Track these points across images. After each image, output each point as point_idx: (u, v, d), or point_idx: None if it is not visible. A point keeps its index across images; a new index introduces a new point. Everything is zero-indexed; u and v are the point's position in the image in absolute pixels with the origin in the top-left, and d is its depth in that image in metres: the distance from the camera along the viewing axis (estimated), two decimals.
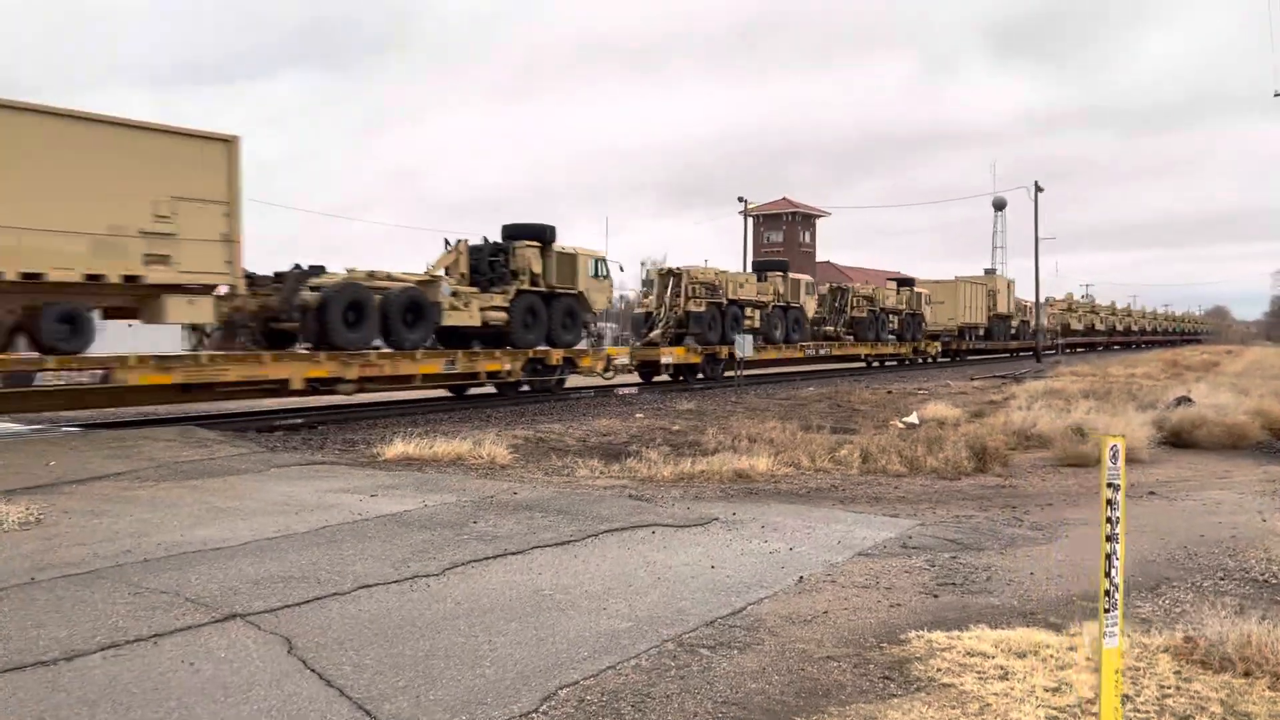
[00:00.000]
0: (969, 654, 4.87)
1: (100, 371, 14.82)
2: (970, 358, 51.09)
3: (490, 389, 23.15)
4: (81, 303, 14.24)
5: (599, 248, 26.48)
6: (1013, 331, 56.57)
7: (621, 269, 44.95)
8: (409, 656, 4.86)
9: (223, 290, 16.22)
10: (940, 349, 47.12)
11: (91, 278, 13.87)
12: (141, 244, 14.31)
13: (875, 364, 42.50)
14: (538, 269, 23.10)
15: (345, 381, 18.21)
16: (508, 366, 21.80)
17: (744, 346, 27.39)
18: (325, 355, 17.80)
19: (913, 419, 17.25)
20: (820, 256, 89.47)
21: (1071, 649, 4.92)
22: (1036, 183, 55.58)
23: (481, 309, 21.50)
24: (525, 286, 22.64)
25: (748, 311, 31.95)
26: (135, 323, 15.92)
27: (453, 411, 20.26)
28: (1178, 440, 14.60)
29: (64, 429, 15.34)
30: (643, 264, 27.42)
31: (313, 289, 18.11)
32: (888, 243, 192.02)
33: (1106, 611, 2.97)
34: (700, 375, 29.52)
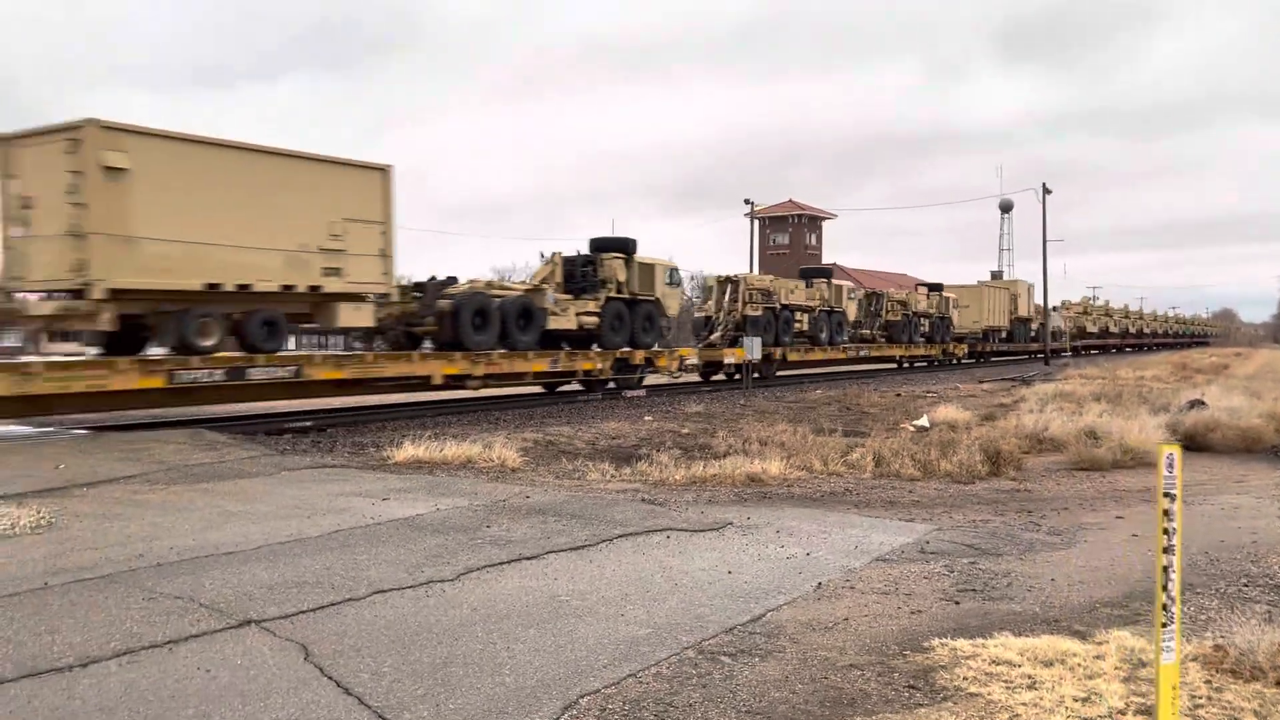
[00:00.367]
0: (995, 662, 4.80)
1: (293, 367, 17.26)
2: (994, 359, 53.24)
3: (576, 385, 25.29)
4: (277, 309, 16.84)
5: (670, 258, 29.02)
6: (1033, 334, 58.39)
7: (691, 278, 47.26)
8: (427, 664, 4.80)
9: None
10: (966, 350, 49.49)
11: (285, 288, 16.54)
12: (320, 259, 16.95)
13: (906, 364, 44.44)
14: (622, 278, 25.31)
15: (473, 378, 20.53)
16: (599, 365, 24.19)
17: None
18: (460, 355, 20.30)
19: (924, 422, 17.17)
20: (826, 258, 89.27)
21: (1099, 657, 4.85)
22: (1045, 185, 55.45)
23: (577, 314, 23.89)
24: (612, 294, 24.93)
25: (797, 316, 34.34)
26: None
27: (461, 414, 20.23)
28: (1191, 444, 14.48)
29: (73, 431, 15.31)
30: (691, 276, 30.65)
31: (446, 298, 20.61)
32: (893, 244, 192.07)
33: (1164, 626, 2.87)
34: (756, 375, 31.20)
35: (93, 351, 16.65)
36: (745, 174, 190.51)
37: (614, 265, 25.14)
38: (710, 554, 7.31)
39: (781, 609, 5.88)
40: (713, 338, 31.15)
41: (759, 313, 31.99)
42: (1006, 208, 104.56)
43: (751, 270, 50.67)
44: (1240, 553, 7.51)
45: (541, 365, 22.36)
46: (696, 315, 34.37)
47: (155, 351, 16.42)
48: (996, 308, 52.98)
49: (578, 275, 24.72)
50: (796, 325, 34.13)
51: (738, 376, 30.75)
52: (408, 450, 12.51)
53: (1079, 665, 4.74)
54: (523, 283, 24.10)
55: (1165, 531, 2.96)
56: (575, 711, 4.25)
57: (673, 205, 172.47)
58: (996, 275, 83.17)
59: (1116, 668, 4.71)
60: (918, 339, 43.82)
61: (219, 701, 4.30)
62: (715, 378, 31.05)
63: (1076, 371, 37.13)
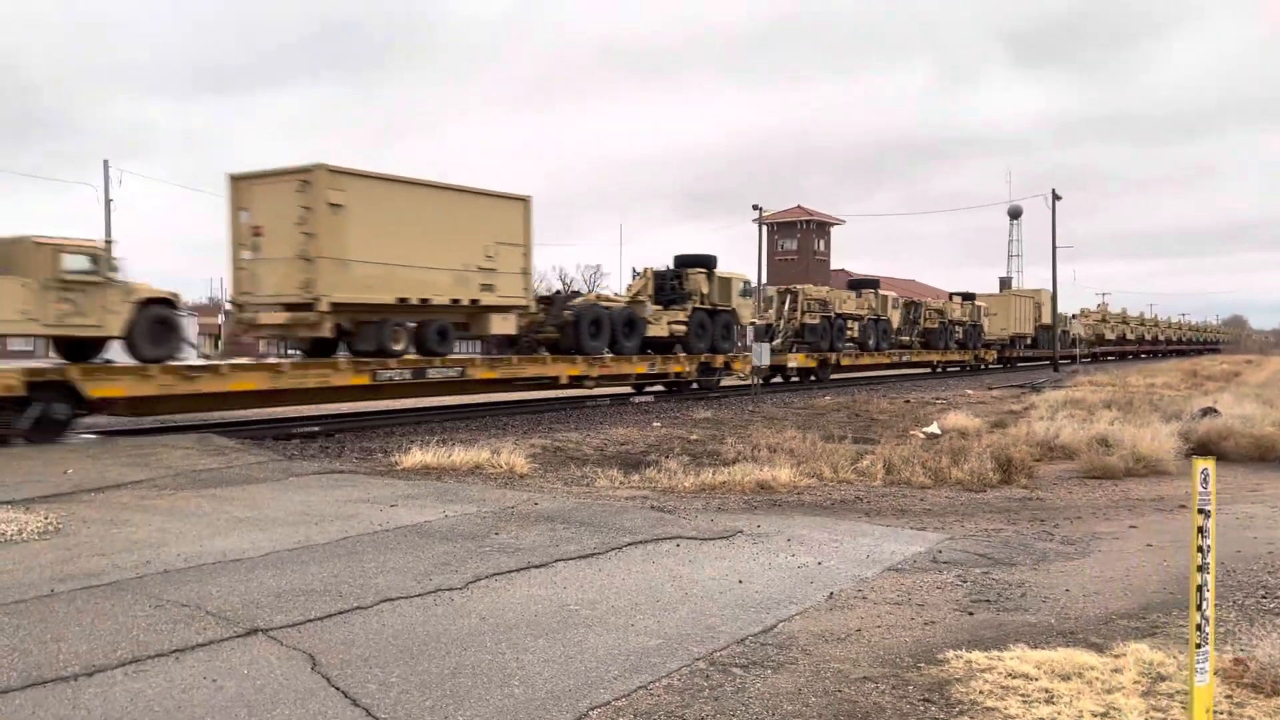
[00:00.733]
0: (1011, 675, 4.72)
1: (459, 368, 20.36)
2: (1020, 364, 55.97)
3: (659, 387, 28.24)
4: (446, 319, 19.87)
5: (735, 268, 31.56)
6: (1057, 340, 59.72)
7: (759, 286, 50.02)
8: (435, 674, 4.75)
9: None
10: (995, 356, 52.15)
11: (453, 301, 19.72)
12: (478, 276, 20.08)
13: (940, 369, 47.27)
14: (705, 290, 28.20)
15: (590, 378, 23.56)
16: (687, 369, 27.32)
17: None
18: (580, 359, 23.39)
19: (934, 429, 17.07)
20: (835, 264, 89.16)
21: (1117, 671, 4.77)
22: (1054, 191, 55.37)
23: (669, 323, 26.81)
24: (697, 305, 27.87)
25: (849, 324, 37.27)
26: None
27: (469, 420, 20.22)
28: (1204, 452, 14.33)
29: (81, 436, 15.31)
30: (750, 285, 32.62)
31: (570, 309, 23.77)
32: (903, 250, 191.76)
33: (1198, 647, 2.79)
34: (813, 378, 34.37)
35: (296, 356, 19.95)
36: (755, 179, 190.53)
37: (698, 279, 28.06)
38: (720, 563, 7.24)
39: (793, 619, 5.81)
40: (774, 344, 33.10)
41: (816, 320, 34.78)
42: (1016, 214, 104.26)
43: (760, 276, 50.93)
44: (1257, 563, 7.41)
45: (643, 368, 25.65)
46: (757, 323, 35.99)
47: (341, 356, 19.26)
48: (1023, 315, 55.75)
49: (667, 288, 27.74)
50: (849, 333, 37.01)
51: (795, 380, 33.09)
52: (416, 456, 12.48)
53: (1097, 679, 4.66)
54: (621, 296, 27.83)
55: (1200, 550, 2.88)
56: None
57: (682, 210, 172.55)
58: (1005, 281, 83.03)
59: (1135, 681, 4.63)
60: (952, 345, 46.56)
61: (225, 712, 4.25)
62: (774, 380, 33.02)
63: (1086, 378, 36.92)
